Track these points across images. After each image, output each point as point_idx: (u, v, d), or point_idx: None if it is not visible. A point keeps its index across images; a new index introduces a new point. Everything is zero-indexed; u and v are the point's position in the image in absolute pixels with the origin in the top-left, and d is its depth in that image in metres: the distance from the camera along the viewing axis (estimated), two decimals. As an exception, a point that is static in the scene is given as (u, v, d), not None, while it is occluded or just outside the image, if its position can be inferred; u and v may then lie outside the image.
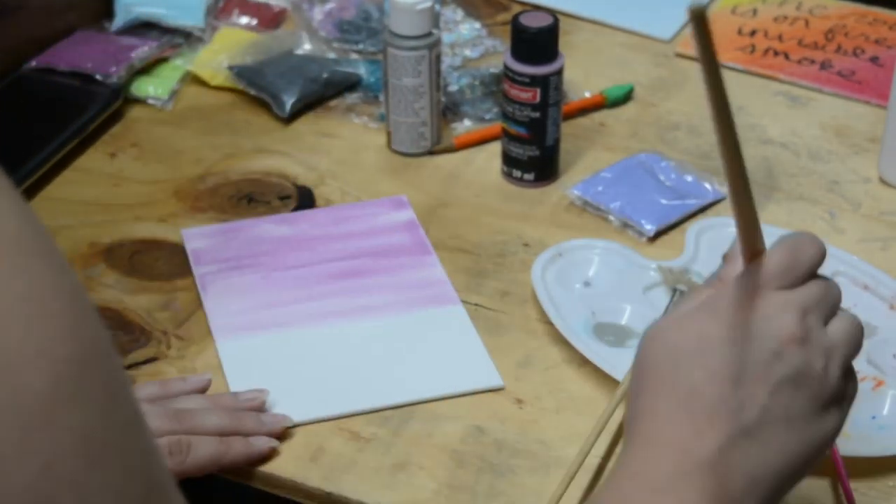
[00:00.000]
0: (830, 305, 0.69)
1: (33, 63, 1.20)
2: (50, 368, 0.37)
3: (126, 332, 0.96)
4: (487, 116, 1.18)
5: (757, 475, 0.65)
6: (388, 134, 1.15)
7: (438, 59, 1.11)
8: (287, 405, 0.90)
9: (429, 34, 1.10)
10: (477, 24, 1.30)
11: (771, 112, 1.20)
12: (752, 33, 1.30)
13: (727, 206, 1.09)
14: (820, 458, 0.68)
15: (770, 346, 0.66)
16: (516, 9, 1.31)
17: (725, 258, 0.70)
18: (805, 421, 0.66)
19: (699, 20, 0.56)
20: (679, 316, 0.68)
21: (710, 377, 0.65)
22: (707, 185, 1.10)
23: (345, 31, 1.28)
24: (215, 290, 0.99)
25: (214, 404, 0.87)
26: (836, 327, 0.69)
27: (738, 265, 0.68)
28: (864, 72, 1.25)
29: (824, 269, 1.00)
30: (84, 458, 0.37)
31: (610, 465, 0.85)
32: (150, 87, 1.21)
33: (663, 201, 1.08)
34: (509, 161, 1.11)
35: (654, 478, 0.65)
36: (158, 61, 1.23)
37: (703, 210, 1.08)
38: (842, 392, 0.68)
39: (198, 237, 1.05)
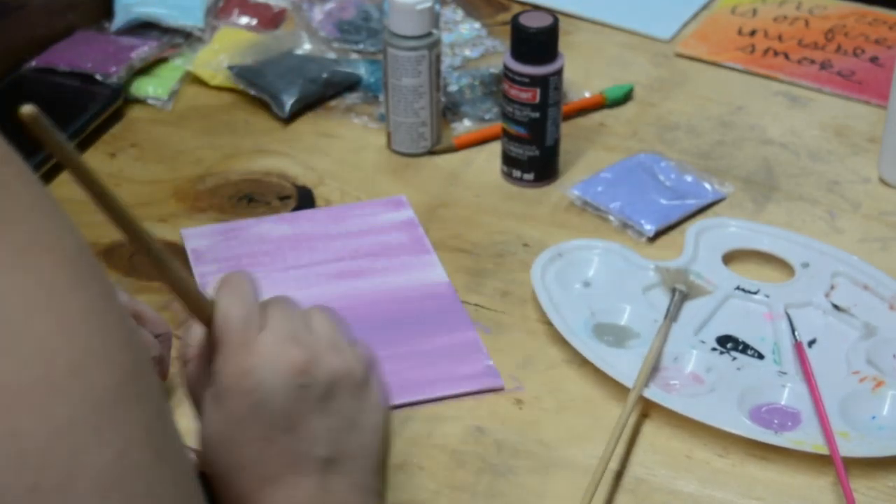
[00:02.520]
0: (295, 310, 0.70)
1: (33, 63, 1.20)
2: (114, 370, 0.42)
3: (126, 333, 0.96)
4: (487, 116, 1.18)
5: (363, 482, 0.68)
6: (388, 134, 1.15)
7: (438, 59, 1.11)
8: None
9: (429, 34, 1.10)
10: (477, 24, 1.30)
11: (771, 112, 1.20)
12: (752, 33, 1.30)
13: (727, 206, 1.09)
14: (389, 415, 0.71)
15: (291, 383, 0.66)
16: (516, 9, 1.31)
17: (187, 331, 0.69)
18: (361, 410, 0.69)
19: (33, 123, 0.55)
20: (207, 421, 0.68)
21: (266, 442, 0.66)
22: (707, 186, 1.10)
23: (345, 31, 1.28)
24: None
25: None
26: (316, 321, 0.70)
27: (203, 343, 0.68)
28: (864, 72, 1.25)
29: (824, 269, 1.01)
30: (152, 450, 0.42)
31: (625, 469, 0.85)
32: (150, 87, 1.21)
33: (663, 201, 1.08)
34: (509, 161, 1.11)
35: None
36: (158, 61, 1.23)
37: (702, 210, 1.08)
38: (362, 360, 0.70)
39: (197, 237, 1.05)
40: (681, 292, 0.98)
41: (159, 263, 0.64)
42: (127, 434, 0.42)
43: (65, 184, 1.11)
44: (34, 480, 0.39)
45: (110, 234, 1.05)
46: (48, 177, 1.11)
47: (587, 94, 1.21)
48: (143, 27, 1.25)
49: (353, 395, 0.69)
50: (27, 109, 0.52)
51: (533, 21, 1.06)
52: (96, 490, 0.40)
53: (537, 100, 1.07)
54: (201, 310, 0.67)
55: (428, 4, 1.08)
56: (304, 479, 0.67)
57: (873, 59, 1.26)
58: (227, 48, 1.24)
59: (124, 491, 0.41)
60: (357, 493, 0.68)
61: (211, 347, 0.67)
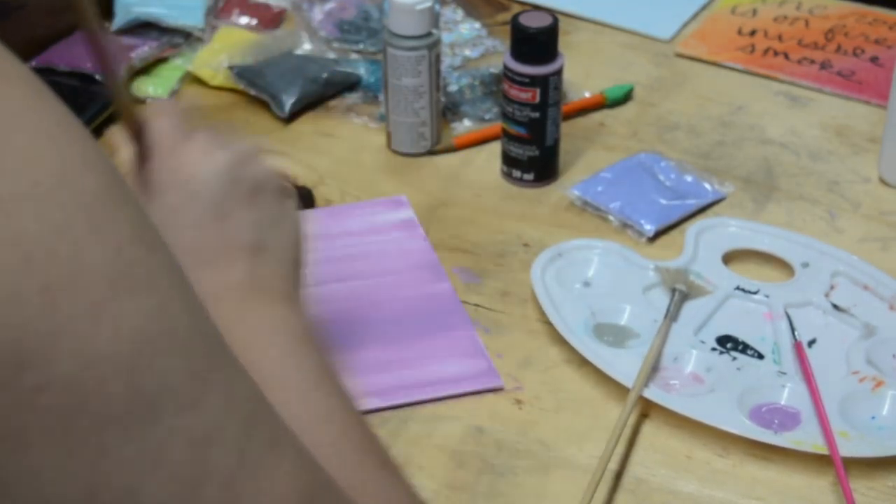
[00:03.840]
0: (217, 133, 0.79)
1: (33, 63, 1.20)
2: (98, 176, 0.46)
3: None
4: (487, 116, 1.18)
5: (284, 272, 0.75)
6: (388, 134, 1.15)
7: (438, 59, 1.11)
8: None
9: (429, 34, 1.10)
10: (477, 24, 1.30)
11: (771, 112, 1.20)
12: (752, 33, 1.30)
13: (727, 206, 1.09)
14: (304, 239, 0.79)
15: (223, 176, 0.75)
16: (516, 9, 1.30)
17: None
18: (281, 211, 0.78)
19: None
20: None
21: (200, 229, 0.74)
22: (707, 185, 1.10)
23: (345, 31, 1.28)
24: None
25: None
26: (236, 142, 0.78)
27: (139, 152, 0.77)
28: (864, 72, 1.25)
29: (823, 269, 1.01)
30: (144, 245, 0.46)
31: (625, 469, 0.85)
32: (150, 87, 1.21)
33: (663, 201, 1.08)
34: (509, 161, 1.11)
35: (228, 315, 0.69)
36: (158, 61, 1.23)
37: (702, 210, 1.08)
38: (275, 184, 0.79)
39: (198, 237, 1.05)
40: (681, 292, 0.98)
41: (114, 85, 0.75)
42: (119, 232, 0.45)
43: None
44: (44, 280, 0.42)
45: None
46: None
47: (587, 94, 1.21)
48: (143, 27, 1.25)
49: (274, 197, 0.78)
50: None
51: (533, 21, 1.06)
52: (102, 281, 0.44)
53: (537, 100, 1.07)
54: (136, 123, 0.77)
55: (428, 4, 1.08)
56: (235, 262, 0.73)
57: (873, 59, 1.26)
58: (227, 48, 1.24)
59: (127, 281, 0.44)
60: (279, 280, 0.74)
61: (143, 156, 0.76)
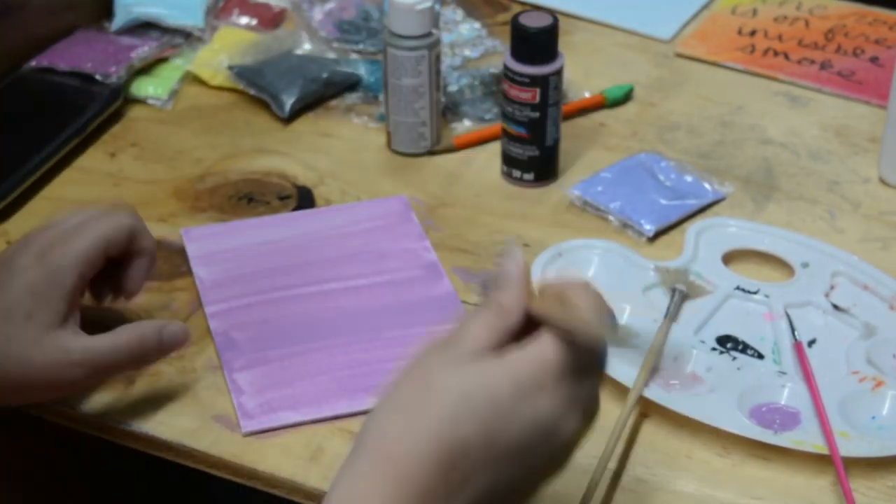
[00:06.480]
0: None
1: (33, 63, 1.20)
2: None
3: (126, 332, 0.96)
4: (487, 116, 1.18)
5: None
6: (388, 134, 1.15)
7: (438, 59, 1.11)
8: (287, 405, 0.90)
9: (429, 34, 1.10)
10: (477, 24, 1.30)
11: (771, 112, 1.20)
12: (752, 33, 1.30)
13: (727, 206, 1.09)
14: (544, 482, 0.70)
15: (551, 443, 0.68)
16: (516, 9, 1.31)
17: (496, 282, 0.69)
18: (534, 473, 0.69)
19: None
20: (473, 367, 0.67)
21: (451, 460, 0.65)
22: (707, 185, 1.10)
23: (345, 31, 1.28)
24: (215, 290, 0.99)
25: None
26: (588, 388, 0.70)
27: (520, 295, 0.69)
28: (864, 72, 1.25)
29: (823, 269, 1.01)
30: None
31: (625, 469, 0.85)
32: (150, 87, 1.21)
33: (663, 201, 1.08)
34: (509, 161, 1.11)
35: None
36: (158, 61, 1.23)
37: (702, 210, 1.08)
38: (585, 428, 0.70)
39: (197, 237, 1.05)
40: (681, 292, 0.98)
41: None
42: None
43: (65, 184, 1.11)
44: None
45: (110, 233, 1.06)
46: (47, 177, 1.11)
47: (587, 94, 1.21)
48: (143, 27, 1.25)
49: (545, 451, 0.69)
50: None
51: (533, 21, 1.06)
52: None
53: (537, 100, 1.07)
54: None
55: (428, 4, 1.08)
56: (465, 487, 0.65)
57: (873, 59, 1.26)
58: (227, 48, 1.24)
59: None
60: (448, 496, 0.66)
61: (509, 335, 0.67)
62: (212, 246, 1.04)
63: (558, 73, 1.07)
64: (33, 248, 0.85)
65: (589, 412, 0.70)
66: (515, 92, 1.08)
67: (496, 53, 1.26)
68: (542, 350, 0.67)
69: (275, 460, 0.87)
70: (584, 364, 0.69)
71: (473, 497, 0.66)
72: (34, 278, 0.84)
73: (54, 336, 0.83)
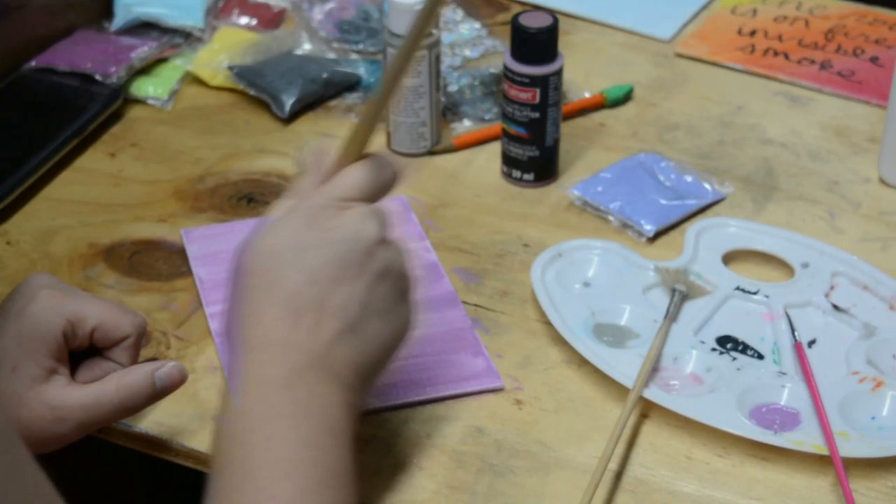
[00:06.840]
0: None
1: (33, 63, 1.20)
2: None
3: (126, 333, 0.96)
4: (487, 116, 1.18)
5: (361, 363, 0.75)
6: (388, 134, 1.15)
7: (438, 59, 1.11)
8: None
9: (429, 34, 1.10)
10: (477, 24, 1.30)
11: (771, 112, 1.20)
12: (752, 33, 1.30)
13: (727, 206, 1.09)
14: (404, 343, 0.79)
15: (361, 247, 0.75)
16: (516, 9, 1.31)
17: (308, 169, 0.79)
18: (393, 311, 0.77)
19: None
20: (272, 223, 0.76)
21: (310, 278, 0.74)
22: (707, 186, 1.10)
23: (345, 31, 1.28)
24: (215, 290, 0.99)
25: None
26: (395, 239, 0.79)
27: (321, 176, 0.78)
28: (864, 72, 1.25)
29: (823, 269, 1.01)
30: None
31: (625, 469, 0.85)
32: (150, 87, 1.21)
33: (663, 201, 1.08)
34: (509, 161, 1.11)
35: (278, 376, 0.72)
36: (158, 61, 1.23)
37: (702, 210, 1.08)
38: (409, 283, 0.79)
39: (197, 237, 1.05)
40: (681, 292, 0.98)
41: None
42: None
43: (65, 184, 1.11)
44: None
45: (110, 234, 1.06)
46: (47, 177, 1.11)
47: (587, 94, 1.21)
48: (143, 27, 1.25)
49: (396, 292, 0.77)
50: None
51: (533, 21, 1.06)
52: None
53: (537, 100, 1.07)
54: (352, 157, 0.79)
55: (428, 4, 1.08)
56: (320, 328, 0.73)
57: (873, 59, 1.26)
58: (227, 48, 1.24)
59: None
60: (352, 368, 0.74)
61: (320, 175, 0.78)
62: (212, 246, 1.04)
63: (558, 73, 1.07)
64: (25, 294, 0.82)
65: (381, 218, 0.78)
66: (515, 92, 1.08)
67: (496, 53, 1.26)
68: (330, 185, 0.78)
69: (275, 460, 0.87)
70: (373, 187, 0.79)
71: (341, 318, 0.75)
72: (20, 326, 0.81)
73: (39, 391, 0.80)
